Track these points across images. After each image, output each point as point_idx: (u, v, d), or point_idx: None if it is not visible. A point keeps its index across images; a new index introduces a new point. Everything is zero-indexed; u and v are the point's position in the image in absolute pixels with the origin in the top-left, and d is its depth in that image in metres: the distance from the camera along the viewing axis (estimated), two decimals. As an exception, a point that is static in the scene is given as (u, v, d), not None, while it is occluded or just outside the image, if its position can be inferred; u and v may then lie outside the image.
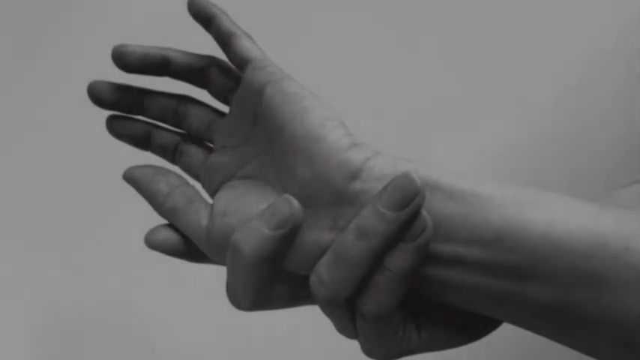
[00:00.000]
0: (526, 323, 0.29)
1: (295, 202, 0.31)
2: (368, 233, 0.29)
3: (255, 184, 0.35)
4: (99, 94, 0.37)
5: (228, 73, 0.37)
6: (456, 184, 0.30)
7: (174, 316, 0.73)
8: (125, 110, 0.38)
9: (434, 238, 0.29)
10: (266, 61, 0.35)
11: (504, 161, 0.71)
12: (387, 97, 0.72)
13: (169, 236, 0.36)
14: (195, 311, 0.73)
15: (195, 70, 0.38)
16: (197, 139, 0.39)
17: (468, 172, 0.72)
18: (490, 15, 0.72)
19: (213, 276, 0.73)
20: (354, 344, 0.72)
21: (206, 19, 0.37)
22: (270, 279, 0.32)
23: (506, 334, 0.72)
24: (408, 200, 0.28)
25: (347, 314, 0.31)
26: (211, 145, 0.39)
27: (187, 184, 0.37)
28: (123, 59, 0.37)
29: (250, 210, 0.33)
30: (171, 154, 0.39)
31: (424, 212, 0.29)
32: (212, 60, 0.38)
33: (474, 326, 0.33)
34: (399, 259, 0.29)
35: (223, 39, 0.36)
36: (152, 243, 0.36)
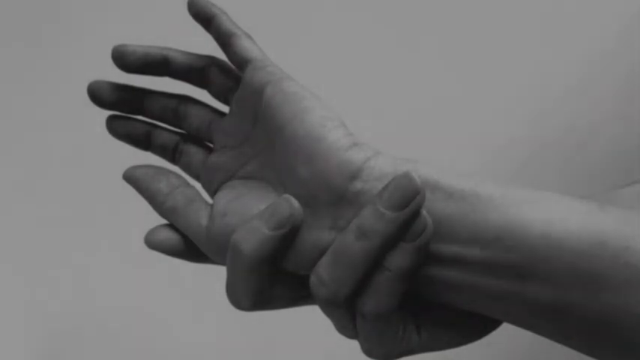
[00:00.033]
0: (526, 323, 0.29)
1: (295, 202, 0.31)
2: (368, 233, 0.29)
3: (255, 184, 0.35)
4: (99, 94, 0.37)
5: (228, 73, 0.37)
6: (456, 183, 0.30)
7: (174, 316, 0.73)
8: (125, 110, 0.38)
9: (434, 238, 0.29)
10: (266, 61, 0.35)
11: (504, 161, 0.71)
12: (387, 97, 0.72)
13: (169, 236, 0.36)
14: (195, 311, 0.73)
15: (195, 70, 0.38)
16: (197, 139, 0.39)
17: (468, 172, 0.72)
18: (490, 15, 0.72)
19: (213, 276, 0.73)
20: (354, 344, 0.72)
21: (206, 19, 0.37)
22: (270, 279, 0.32)
23: (507, 334, 0.72)
24: (408, 200, 0.28)
25: (347, 314, 0.31)
26: (211, 145, 0.39)
27: (187, 184, 0.37)
28: (123, 59, 0.37)
29: (250, 210, 0.33)
30: (171, 154, 0.39)
31: (424, 212, 0.29)
32: (212, 60, 0.38)
33: (474, 326, 0.32)
34: (399, 259, 0.29)
35: (223, 39, 0.36)
36: (152, 243, 0.36)
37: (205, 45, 0.67)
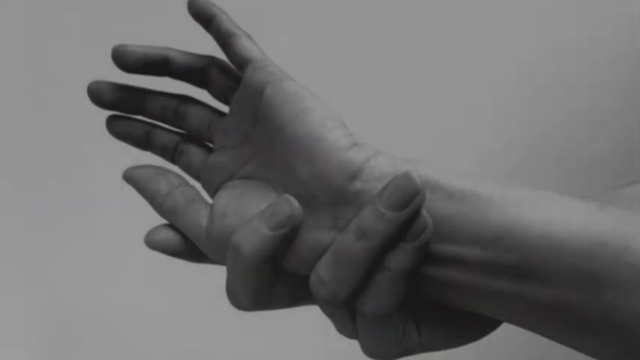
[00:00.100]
0: (526, 323, 0.29)
1: (295, 202, 0.31)
2: (368, 233, 0.29)
3: (255, 184, 0.35)
4: (99, 94, 0.37)
5: (228, 73, 0.37)
6: (456, 183, 0.30)
7: (174, 316, 0.73)
8: (125, 110, 0.38)
9: (434, 238, 0.29)
10: (266, 61, 0.35)
11: (504, 161, 0.71)
12: (387, 97, 0.72)
13: (169, 236, 0.36)
14: (195, 311, 0.73)
15: (195, 70, 0.38)
16: (197, 139, 0.39)
17: (468, 172, 0.72)
18: (490, 15, 0.72)
19: (213, 276, 0.73)
20: (354, 344, 0.72)
21: (206, 19, 0.37)
22: (270, 279, 0.32)
23: (506, 334, 0.72)
24: (408, 200, 0.28)
25: (347, 314, 0.31)
26: (211, 145, 0.39)
27: (187, 184, 0.37)
28: (123, 59, 0.37)
29: (250, 210, 0.33)
30: (171, 154, 0.39)
31: (424, 212, 0.29)
32: (212, 60, 0.38)
33: (474, 326, 0.32)
34: (399, 259, 0.29)
35: (223, 39, 0.36)
36: (152, 243, 0.36)
37: (205, 45, 0.67)
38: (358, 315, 0.31)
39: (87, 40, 0.73)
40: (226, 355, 0.72)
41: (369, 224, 0.29)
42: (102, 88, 0.37)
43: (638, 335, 0.26)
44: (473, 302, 0.30)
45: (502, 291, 0.29)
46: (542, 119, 0.71)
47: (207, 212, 0.35)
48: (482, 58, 0.72)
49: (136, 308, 0.72)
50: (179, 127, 0.39)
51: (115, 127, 0.38)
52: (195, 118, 0.38)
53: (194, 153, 0.38)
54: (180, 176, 0.37)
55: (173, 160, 0.39)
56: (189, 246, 0.36)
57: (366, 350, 0.32)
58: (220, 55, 0.70)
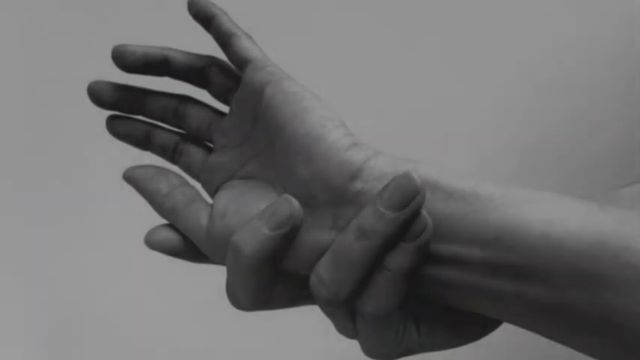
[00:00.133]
0: (526, 323, 0.29)
1: (295, 202, 0.31)
2: (368, 233, 0.29)
3: (255, 184, 0.35)
4: (99, 94, 0.37)
5: (228, 73, 0.37)
6: (456, 183, 0.30)
7: (174, 316, 0.73)
8: (125, 110, 0.38)
9: (434, 238, 0.29)
10: (266, 61, 0.35)
11: (504, 161, 0.71)
12: (387, 97, 0.72)
13: (169, 236, 0.36)
14: (195, 311, 0.73)
15: (195, 70, 0.38)
16: (197, 139, 0.39)
17: (468, 172, 0.72)
18: (490, 15, 0.72)
19: (213, 276, 0.73)
20: (354, 344, 0.72)
21: (206, 19, 0.37)
22: (270, 279, 0.32)
23: (506, 334, 0.72)
24: (408, 200, 0.28)
25: (347, 314, 0.31)
26: (211, 145, 0.39)
27: (187, 184, 0.37)
28: (123, 59, 0.37)
29: (250, 210, 0.33)
30: (171, 154, 0.39)
31: (424, 212, 0.29)
32: (212, 60, 0.38)
33: (474, 326, 0.32)
34: (399, 259, 0.29)
35: (223, 39, 0.36)
36: (152, 243, 0.36)
37: (205, 45, 0.67)
38: (358, 315, 0.31)
39: (87, 40, 0.73)
40: (226, 355, 0.72)
41: (369, 224, 0.29)
42: (102, 88, 0.37)
43: (638, 335, 0.26)
44: (473, 302, 0.30)
45: (502, 291, 0.29)
46: (542, 119, 0.71)
47: (207, 212, 0.35)
48: (483, 58, 0.72)
49: (136, 308, 0.72)
50: (179, 127, 0.39)
51: (115, 127, 0.38)
52: (195, 118, 0.38)
53: (194, 153, 0.38)
54: (180, 176, 0.37)
55: (173, 160, 0.39)
56: (189, 246, 0.36)
57: (366, 350, 0.32)
58: (220, 55, 0.70)
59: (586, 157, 0.70)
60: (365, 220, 0.29)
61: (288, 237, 0.31)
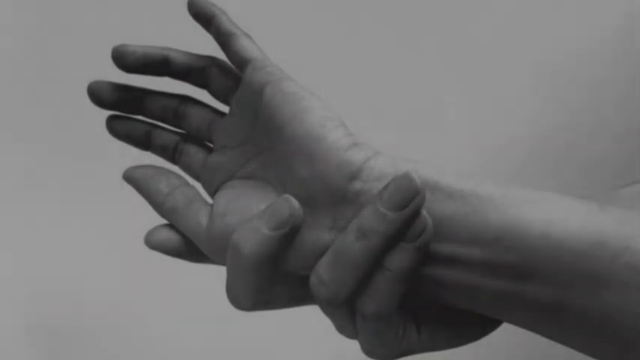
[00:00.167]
0: (526, 323, 0.29)
1: (295, 202, 0.31)
2: (368, 233, 0.29)
3: (255, 184, 0.35)
4: (99, 94, 0.37)
5: (228, 73, 0.38)
6: (456, 184, 0.30)
7: (174, 316, 0.73)
8: (125, 110, 0.38)
9: (434, 238, 0.29)
10: (266, 61, 0.35)
11: (504, 161, 0.71)
12: (387, 97, 0.72)
13: (169, 236, 0.36)
14: (195, 311, 0.73)
15: (195, 70, 0.38)
16: (197, 139, 0.39)
17: (468, 172, 0.72)
18: (490, 15, 0.72)
19: (213, 276, 0.73)
20: (354, 344, 0.72)
21: (206, 19, 0.37)
22: (270, 279, 0.32)
23: (506, 334, 0.72)
24: (408, 200, 0.28)
25: (347, 314, 0.31)
26: (211, 145, 0.39)
27: (187, 184, 0.37)
28: (123, 59, 0.37)
29: (250, 210, 0.33)
30: (171, 154, 0.39)
31: (424, 212, 0.29)
32: (212, 60, 0.38)
33: (474, 326, 0.32)
34: (399, 259, 0.29)
35: (223, 39, 0.36)
36: (152, 243, 0.36)
37: (205, 45, 0.67)
38: (358, 315, 0.31)
39: (87, 40, 0.73)
40: (226, 355, 0.72)
41: (369, 224, 0.29)
42: (102, 88, 0.37)
43: (638, 335, 0.27)
44: (473, 302, 0.30)
45: (502, 291, 0.29)
46: (542, 119, 0.71)
47: (208, 212, 0.35)
48: (482, 58, 0.72)
49: (136, 308, 0.72)
50: (179, 127, 0.39)
51: (115, 127, 0.38)
52: (195, 118, 0.38)
53: (194, 153, 0.38)
54: (180, 176, 0.37)
55: (173, 160, 0.39)
56: (189, 246, 0.36)
57: (366, 350, 0.32)
58: (220, 55, 0.70)
59: (586, 157, 0.69)
60: (365, 220, 0.29)
61: (288, 237, 0.31)
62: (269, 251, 0.31)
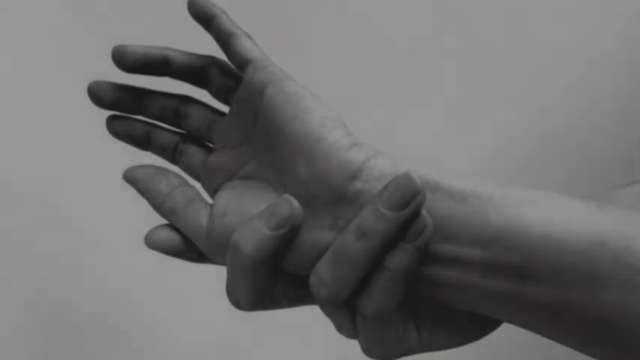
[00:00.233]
0: (526, 323, 0.29)
1: (295, 202, 0.31)
2: (368, 233, 0.29)
3: (255, 184, 0.35)
4: (99, 94, 0.37)
5: (228, 73, 0.38)
6: (457, 184, 0.30)
7: (174, 316, 0.73)
8: (125, 110, 0.38)
9: (434, 238, 0.29)
10: (266, 61, 0.35)
11: (504, 161, 0.71)
12: (387, 97, 0.72)
13: (169, 236, 0.36)
14: (195, 311, 0.73)
15: (195, 70, 0.38)
16: (197, 139, 0.39)
17: (469, 173, 0.72)
18: (490, 15, 0.72)
19: (213, 276, 0.73)
20: (354, 344, 0.72)
21: (206, 19, 0.37)
22: (270, 279, 0.32)
23: (506, 334, 0.72)
24: (408, 200, 0.28)
25: (347, 314, 0.31)
26: (211, 145, 0.39)
27: (187, 184, 0.37)
28: (123, 59, 0.37)
29: (250, 210, 0.33)
30: (171, 154, 0.39)
31: (424, 212, 0.29)
32: (212, 60, 0.38)
33: (474, 326, 0.32)
34: (399, 259, 0.29)
35: (223, 39, 0.36)
36: (152, 243, 0.36)
37: (205, 45, 0.67)
38: (358, 315, 0.31)
39: (87, 40, 0.73)
40: (226, 355, 0.72)
41: (369, 224, 0.29)
42: (102, 88, 0.37)
43: (638, 335, 0.27)
44: (473, 302, 0.30)
45: (502, 291, 0.29)
46: (542, 119, 0.71)
47: (208, 212, 0.35)
48: (482, 58, 0.72)
49: (136, 308, 0.73)
50: (179, 127, 0.39)
51: (115, 127, 0.38)
52: (195, 118, 0.38)
53: (194, 153, 0.38)
54: (180, 176, 0.37)
55: (173, 160, 0.39)
56: (189, 246, 0.36)
57: (366, 350, 0.32)
58: (220, 55, 0.70)
59: (586, 157, 0.70)
60: (365, 220, 0.29)
61: (288, 237, 0.31)
62: (269, 251, 0.31)
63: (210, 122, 0.38)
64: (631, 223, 0.27)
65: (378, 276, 0.30)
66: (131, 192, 0.73)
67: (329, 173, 0.31)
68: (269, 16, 0.73)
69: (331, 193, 0.31)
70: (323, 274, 0.30)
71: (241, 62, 0.35)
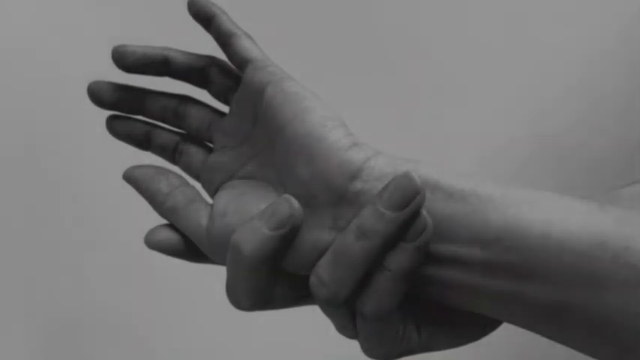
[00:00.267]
0: (526, 323, 0.29)
1: (295, 202, 0.31)
2: (368, 233, 0.29)
3: (255, 184, 0.35)
4: (99, 95, 0.37)
5: (228, 73, 0.38)
6: (457, 184, 0.30)
7: (174, 316, 0.73)
8: (125, 110, 0.38)
9: (434, 238, 0.29)
10: (266, 61, 0.35)
11: (504, 161, 0.71)
12: (386, 97, 0.72)
13: (169, 236, 0.36)
14: (195, 311, 0.73)
15: (195, 70, 0.38)
16: (197, 139, 0.39)
17: (469, 172, 0.72)
18: (491, 15, 0.72)
19: (212, 276, 0.73)
20: (354, 344, 0.72)
21: (206, 19, 0.37)
22: (270, 279, 0.32)
23: (506, 334, 0.72)
24: (408, 200, 0.28)
25: (347, 314, 0.31)
26: (211, 145, 0.39)
27: (187, 184, 0.37)
28: (123, 59, 0.37)
29: (250, 210, 0.33)
30: (171, 154, 0.39)
31: (424, 212, 0.29)
32: (212, 60, 0.38)
33: (474, 326, 0.32)
34: (399, 259, 0.29)
35: (223, 39, 0.36)
36: (152, 243, 0.36)
37: (205, 45, 0.67)
38: (358, 315, 0.31)
39: (87, 40, 0.73)
40: (226, 355, 0.72)
41: (369, 224, 0.29)
42: (102, 88, 0.37)
43: (638, 335, 0.26)
44: (473, 302, 0.30)
45: (502, 291, 0.29)
46: (542, 119, 0.71)
47: (208, 212, 0.35)
48: (482, 58, 0.72)
49: (136, 308, 0.73)
50: (179, 127, 0.39)
51: (115, 127, 0.38)
52: (195, 118, 0.38)
53: (194, 153, 0.38)
54: (180, 176, 0.37)
55: (173, 160, 0.39)
56: (189, 246, 0.36)
57: (366, 350, 0.32)
58: (220, 55, 0.70)
59: (586, 157, 0.70)
60: (365, 220, 0.29)
61: (288, 237, 0.31)
62: (269, 251, 0.31)
63: (210, 122, 0.38)
64: (631, 223, 0.27)
65: (378, 276, 0.30)
66: (131, 192, 0.73)
67: (329, 173, 0.31)
68: (269, 16, 0.73)
69: (331, 193, 0.31)
70: (323, 274, 0.30)
71: (241, 62, 0.35)
